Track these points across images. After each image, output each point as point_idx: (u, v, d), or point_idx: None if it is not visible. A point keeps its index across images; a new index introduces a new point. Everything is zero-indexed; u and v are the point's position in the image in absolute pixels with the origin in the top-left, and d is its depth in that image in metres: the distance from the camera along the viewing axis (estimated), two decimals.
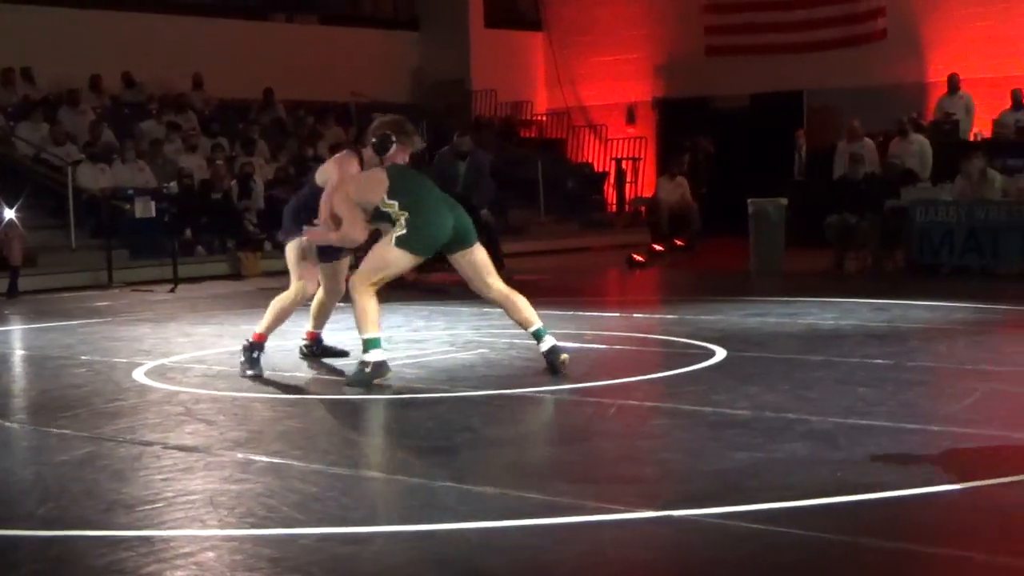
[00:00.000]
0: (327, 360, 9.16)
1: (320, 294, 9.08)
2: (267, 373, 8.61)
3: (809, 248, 16.74)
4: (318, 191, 8.59)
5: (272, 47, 24.06)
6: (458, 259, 8.39)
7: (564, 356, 8.27)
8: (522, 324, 8.42)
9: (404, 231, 8.08)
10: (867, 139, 18.55)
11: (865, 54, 23.79)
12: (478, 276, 8.40)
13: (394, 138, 8.64)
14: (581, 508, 5.00)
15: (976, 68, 22.12)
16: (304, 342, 9.32)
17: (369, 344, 7.96)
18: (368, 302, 8.03)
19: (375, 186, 8.27)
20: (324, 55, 24.60)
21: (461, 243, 8.31)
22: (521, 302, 8.39)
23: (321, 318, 9.24)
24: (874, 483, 5.23)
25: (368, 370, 7.93)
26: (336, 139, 22.61)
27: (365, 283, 8.08)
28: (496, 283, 8.43)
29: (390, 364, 8.09)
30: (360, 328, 8.03)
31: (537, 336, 8.36)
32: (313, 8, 25.97)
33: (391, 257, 8.11)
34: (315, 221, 8.47)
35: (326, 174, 8.66)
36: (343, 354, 9.14)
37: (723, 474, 5.54)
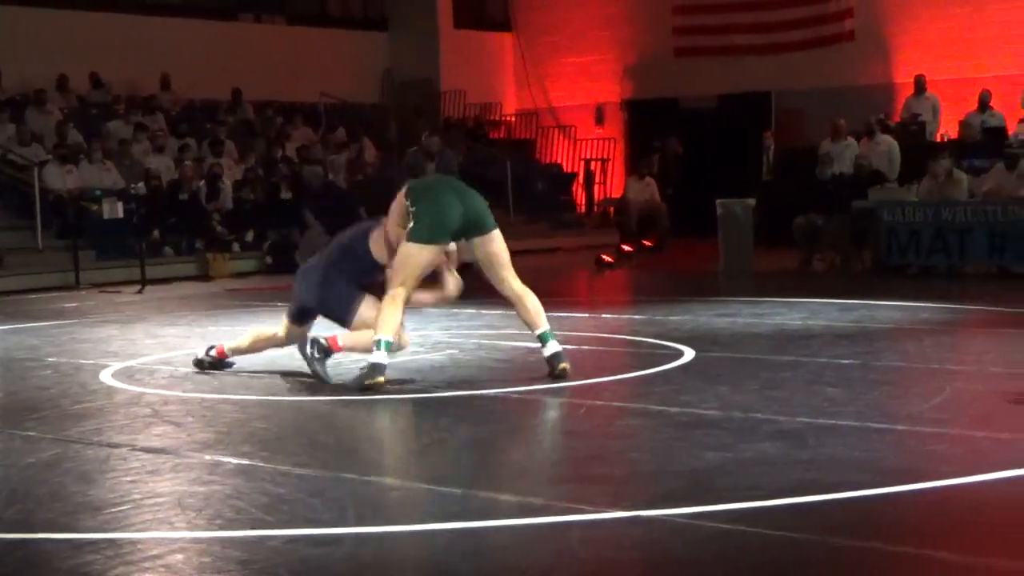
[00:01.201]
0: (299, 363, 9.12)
1: (273, 331, 8.80)
2: (235, 375, 8.58)
3: (777, 248, 16.81)
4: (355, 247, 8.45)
5: (240, 47, 23.99)
6: (477, 248, 8.27)
7: (564, 364, 8.12)
8: (529, 325, 8.30)
9: (411, 224, 8.03)
10: (850, 138, 18.58)
11: (833, 55, 23.90)
12: (492, 268, 8.29)
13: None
14: (551, 508, 5.00)
15: (943, 69, 22.26)
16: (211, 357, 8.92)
17: (378, 344, 7.81)
18: (389, 305, 7.91)
19: (399, 206, 8.22)
20: (292, 55, 24.55)
21: (478, 229, 8.21)
22: (532, 302, 8.27)
23: (253, 348, 8.91)
24: (842, 482, 5.24)
25: (365, 369, 7.83)
26: (305, 140, 22.57)
27: (395, 286, 7.97)
28: (511, 278, 8.31)
29: (354, 366, 8.03)
30: (376, 327, 7.92)
31: (542, 339, 8.22)
32: (281, 8, 25.91)
33: (406, 253, 7.98)
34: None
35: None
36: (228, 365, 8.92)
37: (692, 474, 5.55)
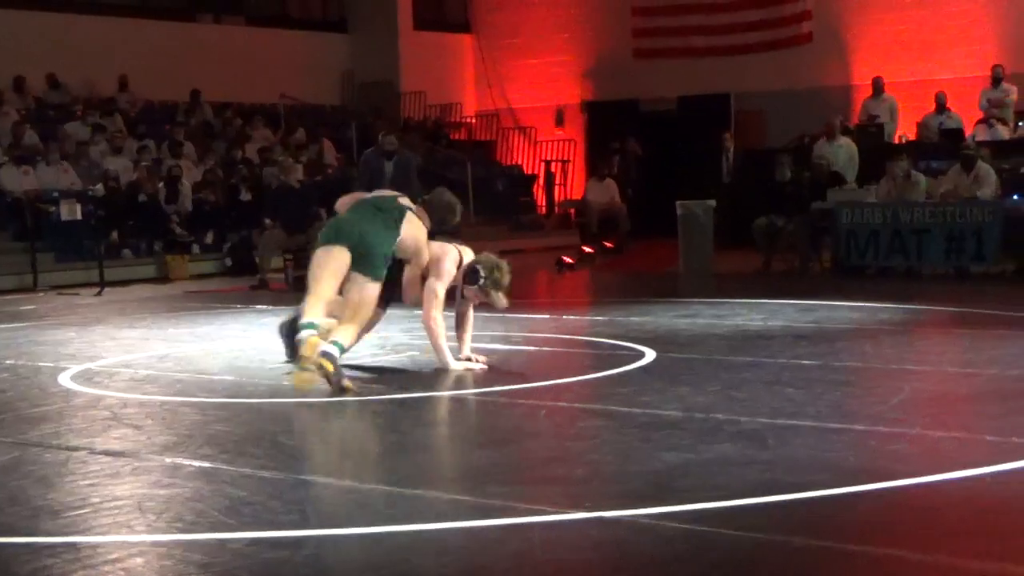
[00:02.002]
0: (257, 366, 9.09)
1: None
2: (196, 376, 8.55)
3: (737, 250, 16.87)
4: None
5: (199, 48, 23.91)
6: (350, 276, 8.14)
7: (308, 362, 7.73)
8: (331, 313, 8.09)
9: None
10: (845, 138, 18.64)
11: (791, 57, 24.03)
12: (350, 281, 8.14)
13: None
14: (512, 510, 5.00)
15: (900, 72, 22.43)
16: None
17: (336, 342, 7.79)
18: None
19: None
20: (252, 57, 24.48)
21: (362, 265, 8.10)
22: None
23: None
24: (803, 483, 5.27)
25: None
26: (265, 141, 22.50)
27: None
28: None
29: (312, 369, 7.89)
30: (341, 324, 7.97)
31: (310, 326, 7.84)
32: (240, 9, 25.82)
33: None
34: None
35: None
36: None
37: (653, 475, 5.56)
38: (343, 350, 7.86)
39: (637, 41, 25.71)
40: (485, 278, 8.53)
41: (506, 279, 8.59)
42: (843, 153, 18.31)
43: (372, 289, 8.09)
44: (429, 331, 8.49)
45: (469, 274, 8.60)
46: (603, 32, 26.10)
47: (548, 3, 26.93)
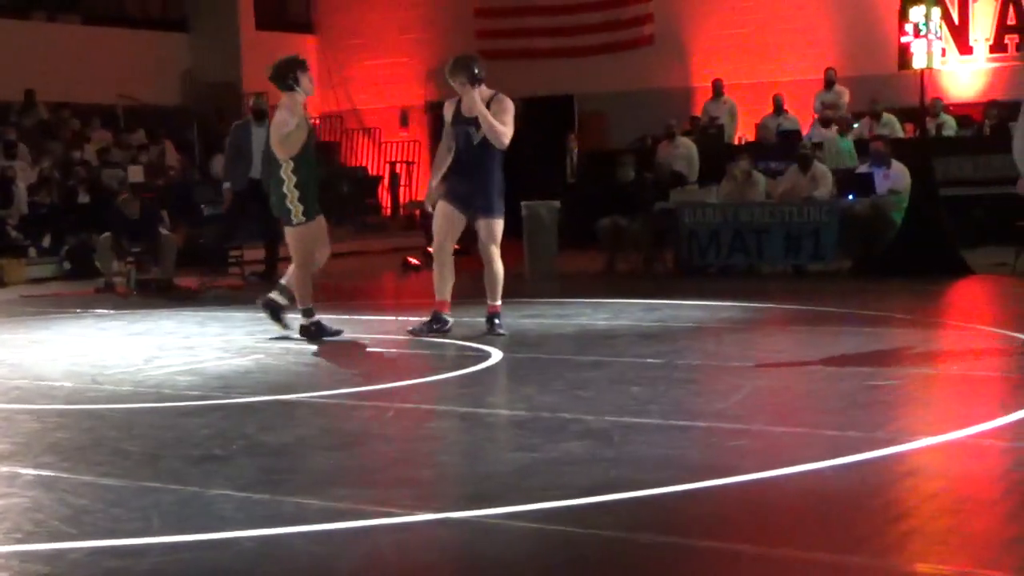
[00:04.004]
0: (97, 370, 8.92)
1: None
2: (31, 383, 8.36)
3: (582, 251, 17.01)
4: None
5: (33, 47, 23.33)
6: None
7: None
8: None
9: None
10: (685, 139, 18.92)
11: (633, 59, 24.33)
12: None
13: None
14: (360, 513, 4.98)
15: (739, 73, 22.84)
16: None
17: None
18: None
19: None
20: (89, 56, 23.97)
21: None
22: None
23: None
24: (647, 480, 5.34)
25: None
26: (104, 142, 22.06)
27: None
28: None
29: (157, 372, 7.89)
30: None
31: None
32: (76, 8, 25.28)
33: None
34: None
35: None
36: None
37: (501, 475, 5.58)
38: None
39: (481, 42, 25.76)
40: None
41: None
42: (683, 154, 18.58)
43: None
44: None
45: None
46: (447, 33, 26.11)
47: (391, 4, 26.87)
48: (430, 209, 10.39)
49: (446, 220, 10.09)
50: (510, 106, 10.00)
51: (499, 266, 10.12)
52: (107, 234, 15.65)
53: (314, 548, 4.64)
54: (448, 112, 10.19)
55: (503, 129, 9.86)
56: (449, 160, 10.14)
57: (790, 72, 22.71)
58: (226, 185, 16.13)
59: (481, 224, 10.08)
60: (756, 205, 15.50)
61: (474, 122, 9.92)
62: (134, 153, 21.28)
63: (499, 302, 10.17)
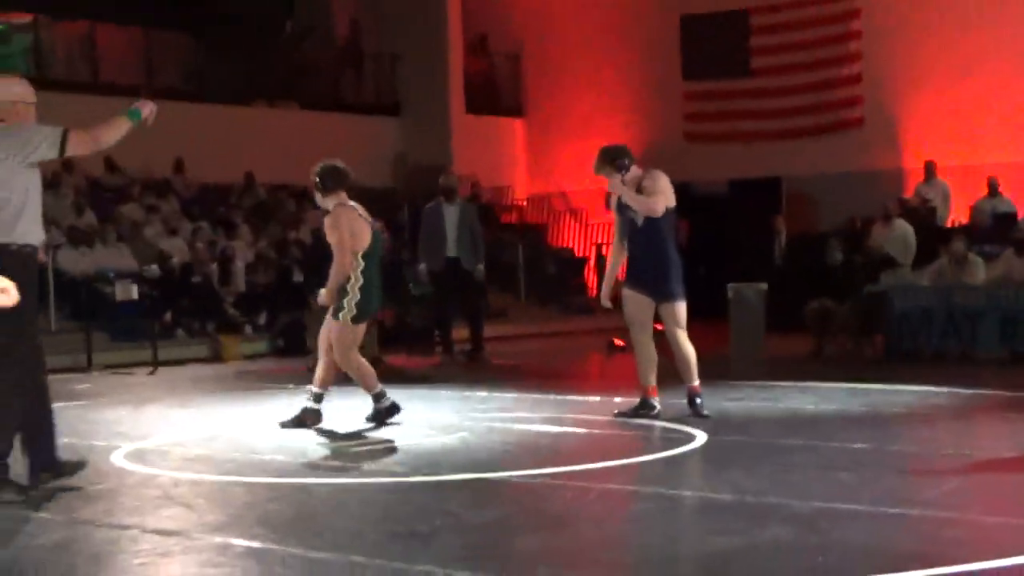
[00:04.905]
0: (305, 443, 9.11)
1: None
2: (245, 456, 8.57)
3: (789, 333, 16.78)
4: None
5: (254, 132, 24.17)
6: None
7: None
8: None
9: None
10: (901, 221, 18.57)
11: (842, 140, 24.06)
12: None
13: None
14: None
15: (951, 155, 22.37)
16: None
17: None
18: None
19: None
20: (305, 139, 24.69)
21: None
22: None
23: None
24: (855, 568, 5.21)
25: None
26: (317, 223, 22.64)
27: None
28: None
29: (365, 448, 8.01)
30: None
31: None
32: (293, 95, 26.12)
33: None
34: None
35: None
36: None
37: (704, 560, 5.51)
38: None
39: (688, 125, 25.83)
40: None
41: None
42: (899, 236, 18.21)
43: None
44: None
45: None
46: (654, 115, 26.21)
47: (600, 88, 27.09)
48: (608, 304, 10.40)
49: (635, 306, 10.10)
50: (659, 175, 10.05)
51: (688, 348, 10.09)
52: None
53: None
54: (613, 204, 10.24)
55: (646, 199, 9.89)
56: (624, 251, 10.19)
57: (1005, 153, 22.16)
58: (421, 266, 16.45)
59: (665, 310, 10.07)
60: (970, 288, 15.09)
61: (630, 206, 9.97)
62: None
63: (696, 382, 10.12)
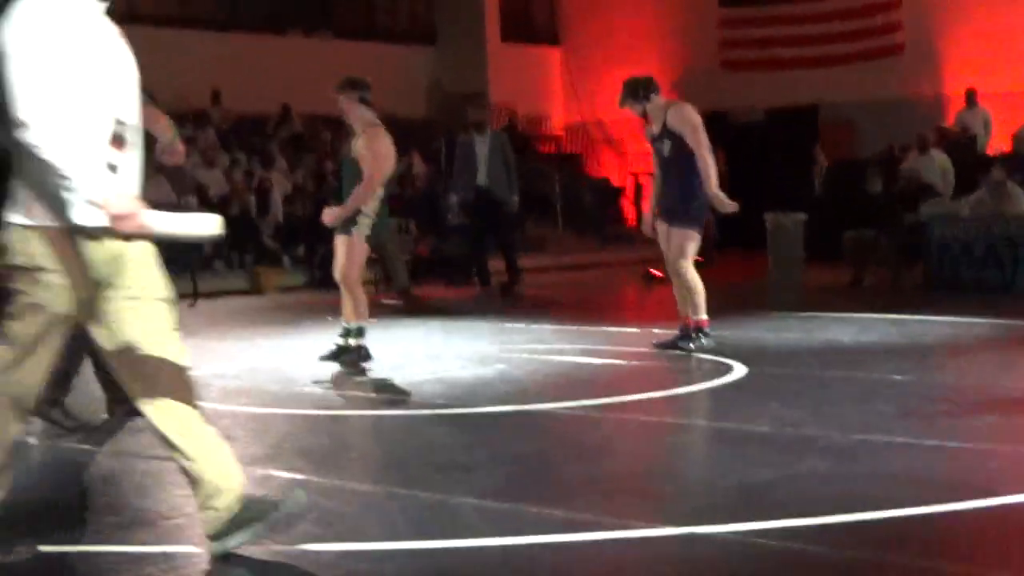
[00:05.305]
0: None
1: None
2: (284, 388, 8.63)
3: (828, 263, 16.71)
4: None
5: (289, 62, 24.09)
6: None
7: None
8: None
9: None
10: (938, 151, 18.38)
11: (881, 68, 23.82)
12: None
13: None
14: (602, 525, 4.98)
15: (993, 83, 22.09)
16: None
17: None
18: None
19: None
20: (340, 69, 24.51)
21: None
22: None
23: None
24: (894, 499, 5.20)
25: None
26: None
27: None
28: None
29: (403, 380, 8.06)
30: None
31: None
32: (329, 23, 26.02)
33: None
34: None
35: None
36: None
37: (743, 490, 5.52)
38: None
39: (724, 52, 25.61)
40: None
41: None
42: (936, 167, 18.04)
43: None
44: None
45: None
46: (691, 43, 26.01)
47: (636, 15, 26.88)
48: (650, 232, 10.23)
49: (665, 239, 10.02)
50: (688, 110, 9.89)
51: (689, 279, 9.81)
52: None
53: (555, 558, 4.67)
54: (648, 136, 10.10)
55: (700, 148, 9.75)
56: (660, 182, 10.12)
57: None
58: (453, 198, 16.55)
59: (672, 237, 9.92)
60: (1012, 218, 14.96)
61: (659, 137, 9.85)
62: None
63: (703, 316, 9.87)
